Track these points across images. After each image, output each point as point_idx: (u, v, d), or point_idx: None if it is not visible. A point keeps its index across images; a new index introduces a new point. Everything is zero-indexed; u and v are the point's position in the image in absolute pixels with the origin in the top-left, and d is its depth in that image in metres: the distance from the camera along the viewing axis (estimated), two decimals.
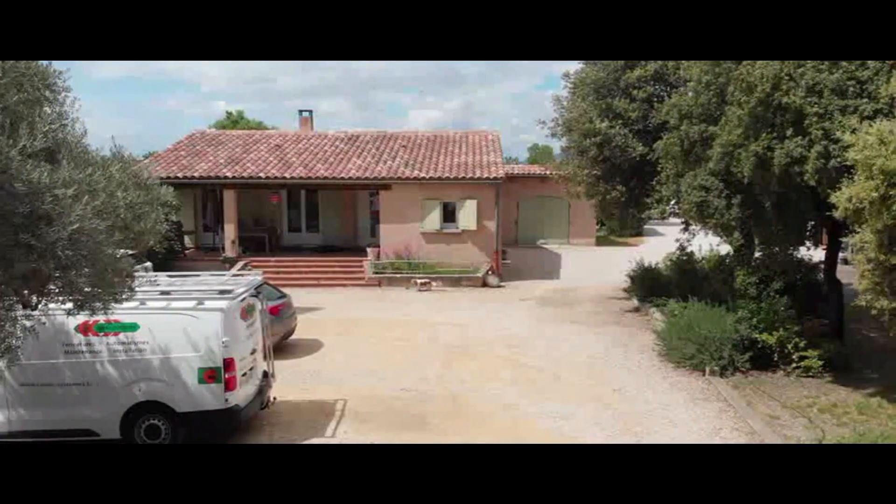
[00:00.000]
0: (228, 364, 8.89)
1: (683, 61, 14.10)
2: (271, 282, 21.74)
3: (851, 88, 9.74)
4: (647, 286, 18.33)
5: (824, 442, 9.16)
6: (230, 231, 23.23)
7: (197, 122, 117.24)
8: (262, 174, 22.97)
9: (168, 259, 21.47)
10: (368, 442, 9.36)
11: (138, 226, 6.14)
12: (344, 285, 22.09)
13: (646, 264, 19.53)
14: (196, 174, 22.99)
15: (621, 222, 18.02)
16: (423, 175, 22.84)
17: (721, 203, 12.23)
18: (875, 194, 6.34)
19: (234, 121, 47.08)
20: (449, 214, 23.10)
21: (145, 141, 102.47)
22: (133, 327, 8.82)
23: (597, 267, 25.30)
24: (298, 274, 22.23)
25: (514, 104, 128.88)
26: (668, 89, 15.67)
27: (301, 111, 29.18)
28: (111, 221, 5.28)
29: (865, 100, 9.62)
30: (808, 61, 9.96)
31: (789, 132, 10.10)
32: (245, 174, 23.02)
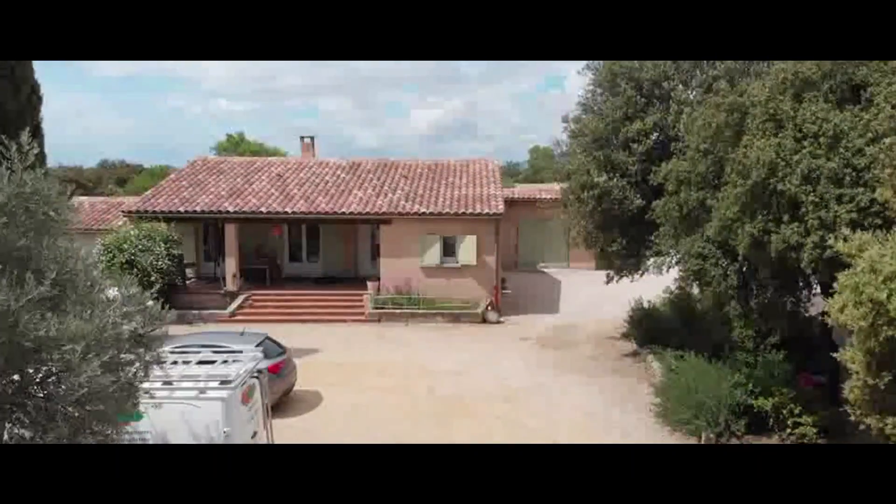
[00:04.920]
0: None
1: (682, 121, 14.24)
2: (272, 317, 22.05)
3: (848, 177, 9.81)
4: (646, 329, 18.43)
5: None
6: (231, 265, 23.31)
7: (197, 120, 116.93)
8: (263, 208, 23.07)
9: (169, 292, 21.62)
10: None
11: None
12: (344, 321, 22.18)
13: (644, 303, 19.54)
14: (198, 208, 23.08)
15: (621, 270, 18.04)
16: (423, 210, 22.96)
17: (718, 272, 12.34)
18: (863, 323, 6.44)
19: (235, 143, 47.21)
20: (449, 249, 23.20)
21: (147, 142, 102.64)
22: (136, 417, 8.91)
23: (596, 297, 25.29)
24: (299, 309, 22.36)
25: (515, 104, 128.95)
26: (668, 142, 15.71)
27: (303, 137, 29.24)
28: (117, 377, 5.37)
29: (861, 189, 9.70)
30: (805, 147, 10.06)
31: (786, 217, 10.18)
32: (246, 208, 23.11)
